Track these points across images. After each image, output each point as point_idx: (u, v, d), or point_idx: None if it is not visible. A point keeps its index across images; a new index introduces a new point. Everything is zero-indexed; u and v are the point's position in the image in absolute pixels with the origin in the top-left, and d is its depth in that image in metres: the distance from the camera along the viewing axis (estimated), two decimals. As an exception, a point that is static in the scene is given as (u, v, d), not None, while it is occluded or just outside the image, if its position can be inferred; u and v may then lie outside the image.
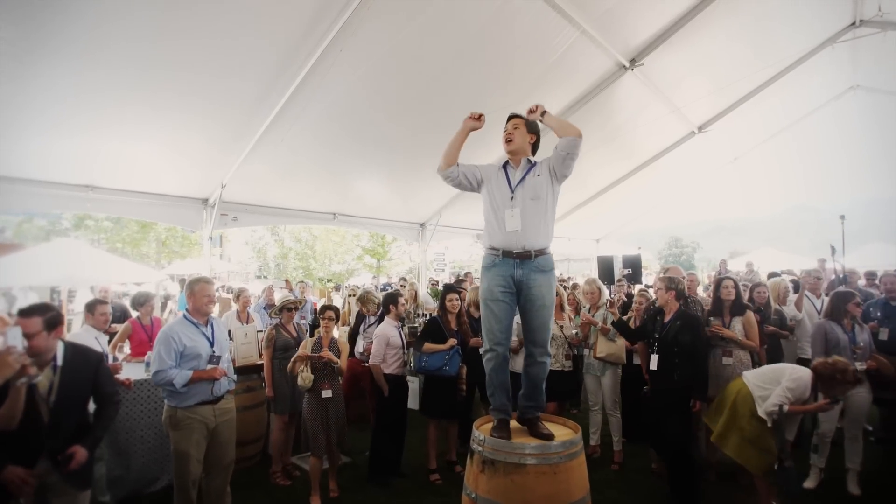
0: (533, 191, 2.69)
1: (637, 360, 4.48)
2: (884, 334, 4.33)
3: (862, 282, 7.14)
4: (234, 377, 3.43)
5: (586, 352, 4.55)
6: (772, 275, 7.24)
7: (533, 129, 2.86)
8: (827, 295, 4.64)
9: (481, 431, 2.59)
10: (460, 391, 4.24)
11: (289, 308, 4.53)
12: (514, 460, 2.37)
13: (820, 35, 7.49)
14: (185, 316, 3.24)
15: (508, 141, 2.81)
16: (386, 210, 8.62)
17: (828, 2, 6.91)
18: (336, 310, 4.20)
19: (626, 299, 5.86)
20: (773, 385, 3.31)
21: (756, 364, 4.04)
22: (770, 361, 4.27)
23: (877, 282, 6.36)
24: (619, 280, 8.34)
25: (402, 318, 4.48)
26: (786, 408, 3.20)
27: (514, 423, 2.71)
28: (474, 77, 5.70)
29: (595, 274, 11.22)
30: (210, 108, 5.06)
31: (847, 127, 12.02)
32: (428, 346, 4.24)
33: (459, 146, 2.76)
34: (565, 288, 6.83)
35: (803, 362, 4.47)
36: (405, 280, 8.54)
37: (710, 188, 13.31)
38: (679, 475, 3.68)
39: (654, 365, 3.82)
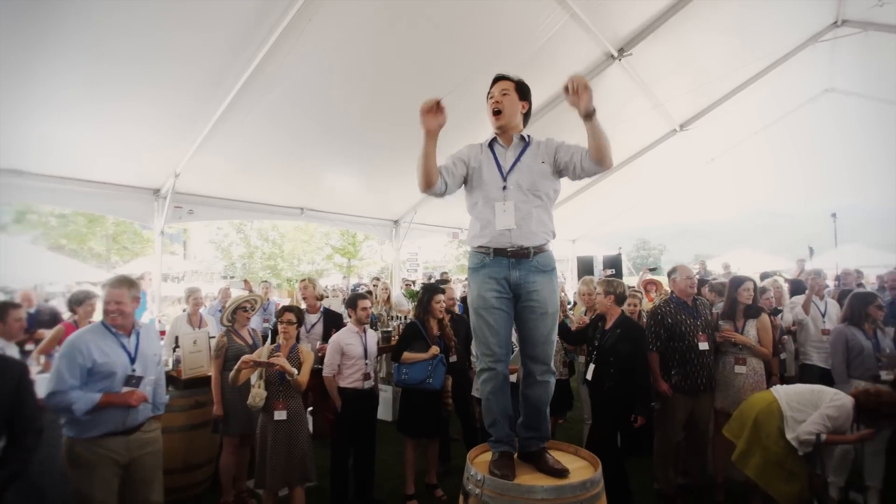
0: (530, 179, 2.22)
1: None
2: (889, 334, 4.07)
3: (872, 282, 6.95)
4: (165, 399, 2.86)
5: (581, 359, 4.13)
6: (764, 275, 7.06)
7: (526, 95, 2.36)
8: (832, 298, 4.38)
9: (476, 467, 2.09)
10: (446, 406, 3.75)
11: (242, 309, 3.90)
12: (522, 506, 1.85)
13: (804, 33, 7.43)
14: (102, 323, 2.61)
15: (496, 112, 2.26)
16: (358, 206, 8.10)
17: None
18: (298, 311, 3.64)
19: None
20: (809, 408, 2.91)
21: (768, 374, 3.69)
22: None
23: (862, 282, 6.20)
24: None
25: (365, 322, 3.91)
26: (823, 437, 2.80)
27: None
28: (453, 62, 5.27)
29: (575, 274, 10.98)
30: (160, 89, 4.49)
31: (819, 131, 12.17)
32: (407, 355, 3.75)
33: (433, 157, 2.12)
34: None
35: (807, 369, 4.21)
36: (378, 280, 8.03)
37: (685, 190, 13.33)
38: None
39: (589, 375, 3.52)
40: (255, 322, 5.84)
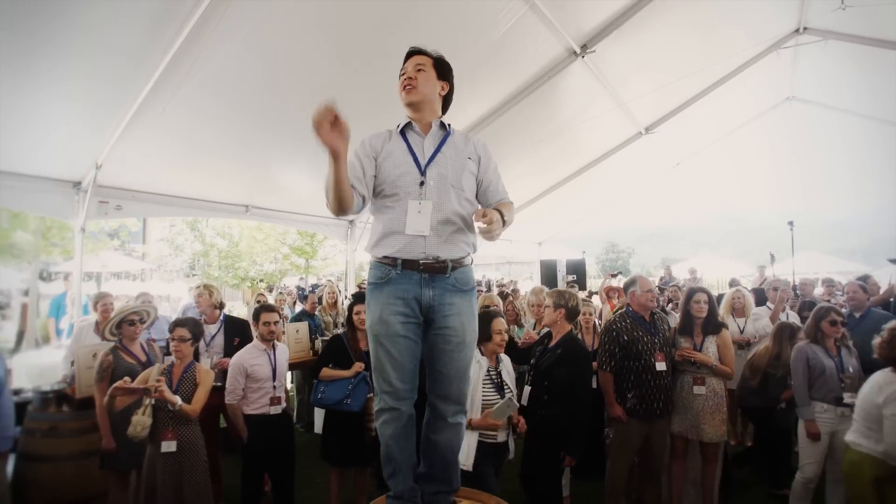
0: (454, 174, 1.85)
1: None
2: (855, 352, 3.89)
3: (820, 290, 6.91)
4: (11, 433, 2.38)
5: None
6: (732, 282, 6.93)
7: (446, 75, 1.97)
8: (793, 310, 4.18)
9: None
10: (368, 431, 3.33)
11: (129, 322, 3.34)
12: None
13: (767, 39, 7.39)
14: None
15: (408, 88, 1.88)
16: (310, 204, 7.60)
17: (774, 4, 6.74)
18: (194, 325, 3.14)
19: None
20: (874, 420, 2.56)
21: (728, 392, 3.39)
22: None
23: (836, 290, 6.10)
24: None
25: (269, 339, 3.42)
26: None
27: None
28: (403, 47, 4.89)
29: (538, 279, 10.74)
30: (74, 71, 3.97)
31: (781, 139, 12.35)
32: (327, 372, 3.31)
33: (345, 181, 1.70)
34: (504, 296, 6.16)
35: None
36: (330, 281, 7.56)
37: (651, 193, 13.38)
38: None
39: (524, 399, 3.16)
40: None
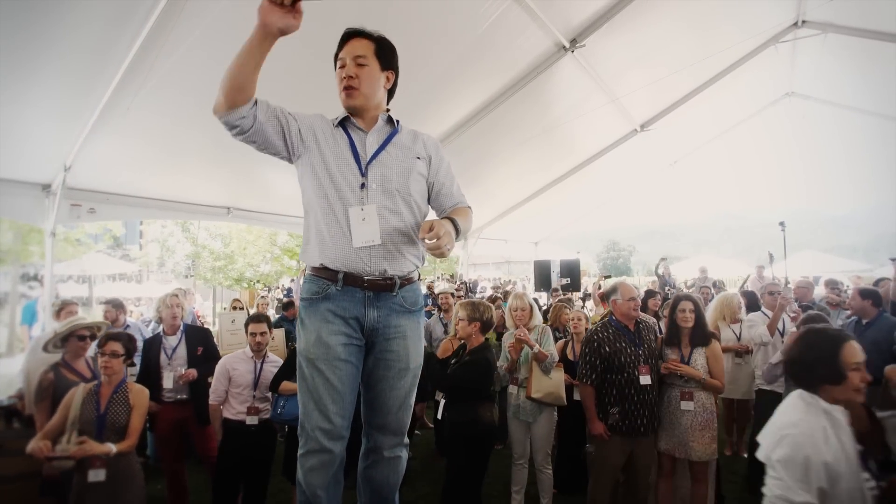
0: (400, 177, 1.63)
1: (577, 396, 3.55)
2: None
3: (821, 290, 6.60)
4: None
5: (512, 388, 3.53)
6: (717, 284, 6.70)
7: (390, 62, 1.69)
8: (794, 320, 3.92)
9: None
10: None
11: (79, 337, 3.06)
12: None
13: (764, 32, 7.18)
14: None
15: (349, 91, 1.61)
16: (294, 205, 7.42)
17: (772, -3, 6.55)
18: (128, 340, 2.85)
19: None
20: None
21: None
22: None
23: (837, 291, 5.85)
24: (555, 290, 7.58)
25: (257, 350, 3.30)
26: None
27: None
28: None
29: (532, 280, 10.53)
30: (35, 69, 3.78)
31: (779, 135, 12.14)
32: (287, 385, 3.12)
33: (253, 63, 1.39)
34: (494, 300, 5.95)
35: (765, 395, 3.79)
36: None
37: (649, 191, 13.20)
38: None
39: (440, 413, 3.19)
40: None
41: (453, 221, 1.58)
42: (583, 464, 3.55)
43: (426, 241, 1.47)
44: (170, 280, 21.30)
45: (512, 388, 3.52)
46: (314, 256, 1.60)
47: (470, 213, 1.76)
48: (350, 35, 1.65)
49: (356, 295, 1.58)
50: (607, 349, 3.01)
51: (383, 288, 1.60)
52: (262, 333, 3.30)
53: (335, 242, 1.57)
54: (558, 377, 3.44)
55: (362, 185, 1.59)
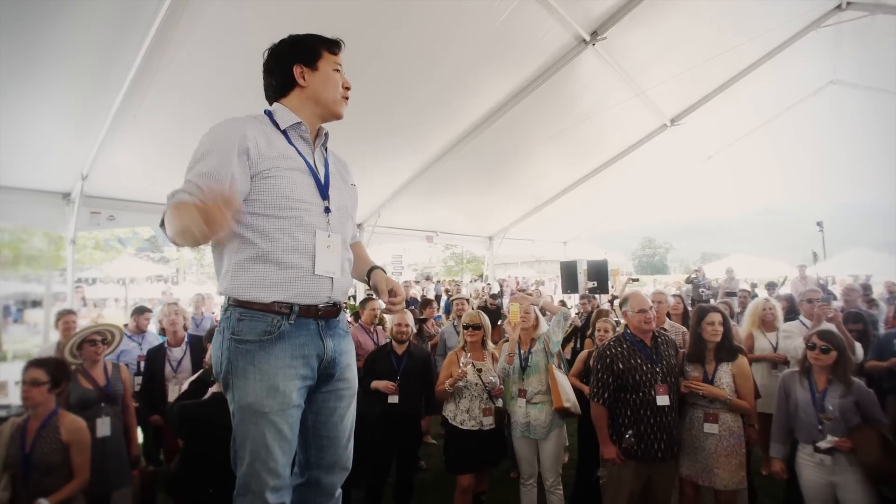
0: (352, 203, 1.62)
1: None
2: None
3: (881, 290, 6.08)
4: None
5: (520, 402, 3.23)
6: (770, 285, 6.27)
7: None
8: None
9: None
10: None
11: (91, 342, 3.00)
12: None
13: (804, 17, 6.67)
14: None
15: (346, 101, 1.57)
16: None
17: (811, -24, 6.09)
18: (56, 367, 2.50)
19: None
20: None
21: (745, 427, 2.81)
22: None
23: (872, 297, 5.39)
24: (583, 296, 7.28)
25: None
26: None
27: None
28: (399, 44, 4.56)
29: (559, 282, 10.19)
30: (47, 81, 3.82)
31: (824, 126, 11.44)
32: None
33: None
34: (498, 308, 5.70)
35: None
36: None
37: (683, 187, 12.73)
38: None
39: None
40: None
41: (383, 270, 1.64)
42: (594, 490, 3.31)
43: (390, 304, 1.52)
44: (204, 281, 21.88)
45: (520, 402, 3.28)
46: (261, 289, 1.36)
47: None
48: (339, 47, 1.59)
49: (310, 327, 1.42)
50: (621, 366, 2.76)
51: (333, 314, 1.49)
52: None
53: (290, 270, 1.38)
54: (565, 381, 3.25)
55: (326, 210, 1.46)
